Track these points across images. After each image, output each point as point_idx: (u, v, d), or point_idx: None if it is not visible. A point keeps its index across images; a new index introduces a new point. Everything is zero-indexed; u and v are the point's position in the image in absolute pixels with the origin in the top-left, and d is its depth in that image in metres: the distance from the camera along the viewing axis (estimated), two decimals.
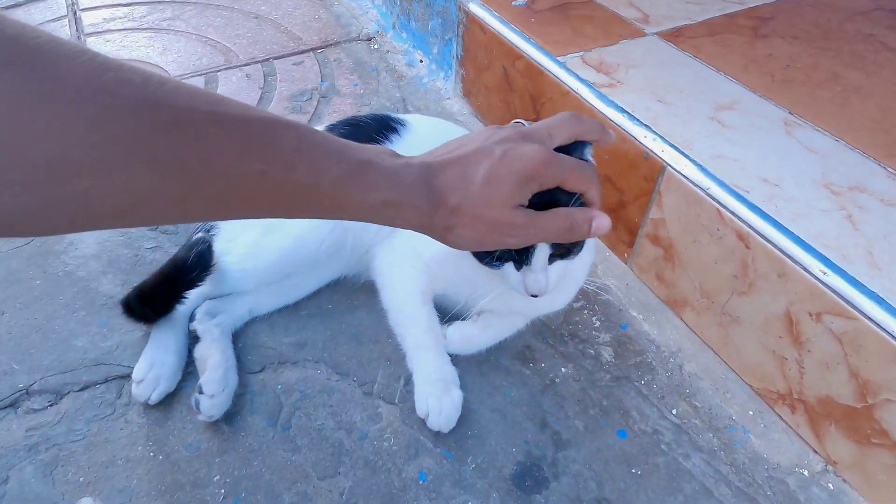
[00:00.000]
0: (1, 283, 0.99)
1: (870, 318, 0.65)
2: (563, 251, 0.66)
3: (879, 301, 0.66)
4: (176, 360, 0.84)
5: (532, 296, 0.67)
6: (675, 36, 1.11)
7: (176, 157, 0.40)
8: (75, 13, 1.72)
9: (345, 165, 0.49)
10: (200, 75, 1.48)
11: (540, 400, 0.83)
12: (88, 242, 1.06)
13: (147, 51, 1.55)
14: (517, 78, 1.14)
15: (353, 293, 0.96)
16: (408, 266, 0.84)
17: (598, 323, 0.94)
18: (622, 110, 0.93)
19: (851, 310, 0.66)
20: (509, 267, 0.68)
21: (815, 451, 0.76)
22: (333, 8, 1.78)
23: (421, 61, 1.51)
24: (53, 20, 1.68)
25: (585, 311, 0.95)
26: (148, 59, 1.53)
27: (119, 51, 1.55)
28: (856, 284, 0.67)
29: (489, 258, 0.68)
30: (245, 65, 1.52)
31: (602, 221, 0.57)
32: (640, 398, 0.84)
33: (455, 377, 0.81)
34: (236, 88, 1.44)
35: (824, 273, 0.69)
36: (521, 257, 0.66)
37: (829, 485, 0.74)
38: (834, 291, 0.68)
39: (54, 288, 0.98)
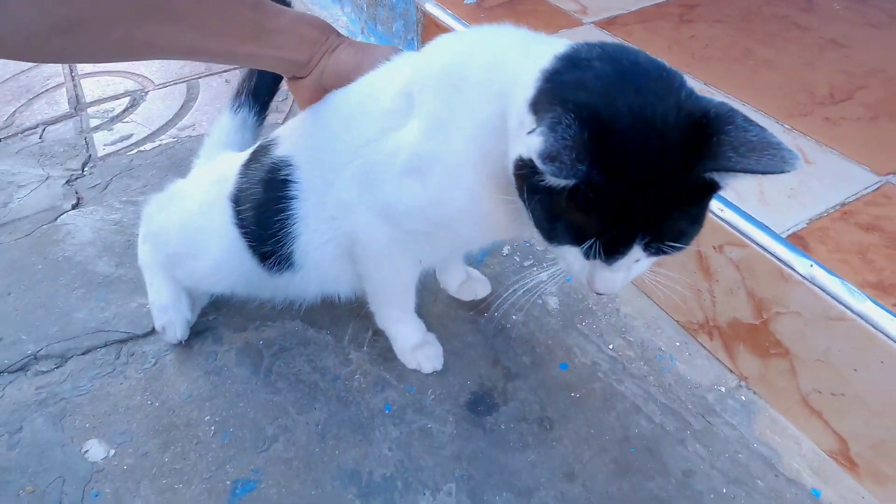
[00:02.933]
0: (5, 270, 1.09)
1: (759, 245, 0.77)
2: (667, 246, 0.51)
3: (765, 229, 0.77)
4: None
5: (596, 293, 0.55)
6: (609, 24, 1.24)
7: None
8: None
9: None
10: (183, 82, 1.59)
11: (493, 342, 0.94)
12: (84, 231, 1.16)
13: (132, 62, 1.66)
14: None
15: None
16: (404, 251, 0.75)
17: (546, 277, 1.04)
18: None
19: (744, 239, 0.78)
20: (573, 253, 0.54)
21: (731, 370, 0.87)
22: None
23: None
24: None
25: (535, 269, 1.06)
26: (134, 70, 1.64)
27: (105, 64, 1.66)
28: (747, 217, 0.79)
29: (554, 232, 0.54)
30: (224, 71, 1.63)
31: None
32: (581, 337, 0.95)
33: (431, 336, 0.92)
34: (216, 93, 1.55)
35: (721, 210, 0.81)
36: (606, 246, 0.51)
37: (742, 397, 0.85)
38: (730, 225, 0.79)
39: (55, 271, 1.08)
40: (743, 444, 0.80)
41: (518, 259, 1.09)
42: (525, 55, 0.58)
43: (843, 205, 0.80)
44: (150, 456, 0.81)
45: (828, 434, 0.76)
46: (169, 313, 0.92)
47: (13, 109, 1.55)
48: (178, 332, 0.92)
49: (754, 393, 0.85)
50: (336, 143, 0.72)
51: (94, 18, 0.54)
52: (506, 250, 1.10)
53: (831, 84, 1.03)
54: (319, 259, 0.80)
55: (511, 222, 0.66)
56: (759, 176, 0.47)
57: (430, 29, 1.37)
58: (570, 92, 0.50)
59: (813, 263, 0.73)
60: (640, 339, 0.94)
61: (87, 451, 0.82)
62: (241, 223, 0.81)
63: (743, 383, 0.86)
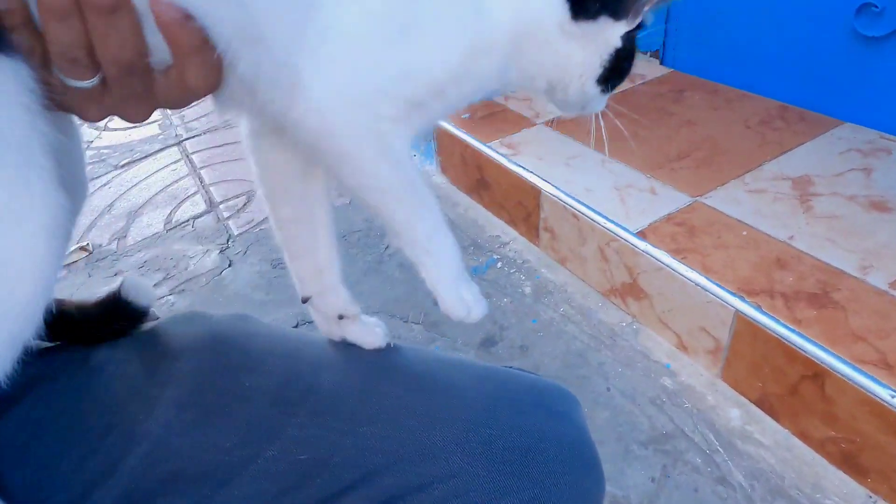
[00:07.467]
0: (197, 305, 1.81)
1: (624, 239, 1.47)
2: None
3: (626, 230, 1.47)
4: None
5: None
6: (552, 123, 1.99)
7: None
8: None
9: None
10: None
11: (492, 313, 1.63)
12: (240, 279, 1.89)
13: None
14: (469, 158, 2.00)
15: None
16: (387, 122, 0.47)
17: (523, 277, 1.74)
18: (520, 165, 1.79)
19: (616, 237, 1.48)
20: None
21: (627, 313, 1.55)
22: None
23: (415, 155, 2.40)
24: None
25: (514, 272, 1.76)
26: (245, 177, 2.42)
27: (226, 172, 2.45)
28: (619, 225, 1.49)
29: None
30: None
31: None
32: (549, 309, 1.63)
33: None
34: None
35: (607, 221, 1.51)
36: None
37: (634, 326, 1.52)
38: (610, 231, 1.49)
39: (230, 302, 1.80)
40: (631, 348, 1.47)
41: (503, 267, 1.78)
42: None
43: (669, 214, 1.50)
44: None
45: (672, 334, 1.43)
46: None
47: (169, 211, 2.33)
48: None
49: (638, 322, 1.52)
50: None
51: None
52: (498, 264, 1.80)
53: (679, 149, 1.75)
54: None
55: None
56: None
57: (441, 136, 2.14)
58: None
59: (648, 245, 1.42)
60: (580, 305, 1.62)
61: None
62: None
63: (632, 318, 1.53)
